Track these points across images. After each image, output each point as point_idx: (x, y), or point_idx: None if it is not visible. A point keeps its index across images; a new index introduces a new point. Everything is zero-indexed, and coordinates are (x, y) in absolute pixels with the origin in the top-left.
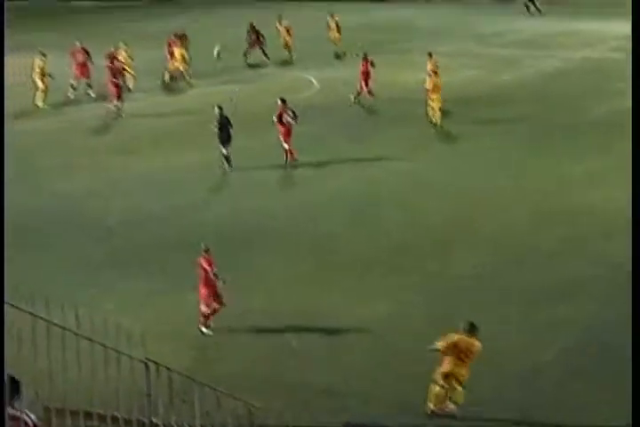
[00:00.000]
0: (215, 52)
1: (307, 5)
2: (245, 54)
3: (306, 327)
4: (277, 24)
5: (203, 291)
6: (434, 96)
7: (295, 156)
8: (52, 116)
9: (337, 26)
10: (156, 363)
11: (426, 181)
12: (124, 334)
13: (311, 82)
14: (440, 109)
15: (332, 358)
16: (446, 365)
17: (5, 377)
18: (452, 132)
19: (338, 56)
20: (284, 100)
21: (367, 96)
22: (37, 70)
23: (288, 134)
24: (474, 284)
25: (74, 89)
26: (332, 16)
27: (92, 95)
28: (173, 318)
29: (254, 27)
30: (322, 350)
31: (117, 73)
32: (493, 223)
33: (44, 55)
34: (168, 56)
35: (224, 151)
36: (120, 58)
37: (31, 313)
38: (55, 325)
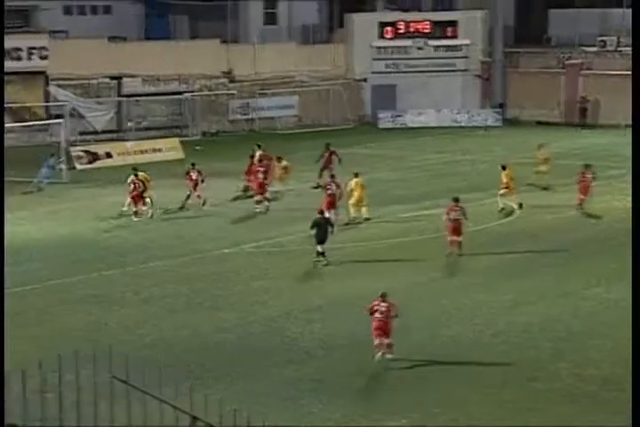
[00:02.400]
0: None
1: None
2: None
3: None
4: (537, 152)
5: None
6: None
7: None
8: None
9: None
10: None
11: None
12: None
13: (512, 207)
14: None
15: None
16: None
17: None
18: None
19: (545, 188)
20: (456, 200)
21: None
22: None
23: (455, 229)
24: None
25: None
26: (539, 148)
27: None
28: None
29: (328, 147)
30: None
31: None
32: None
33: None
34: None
35: (319, 249)
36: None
37: None
38: None
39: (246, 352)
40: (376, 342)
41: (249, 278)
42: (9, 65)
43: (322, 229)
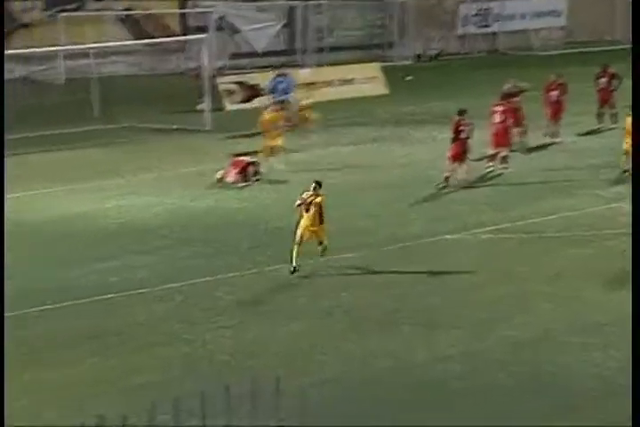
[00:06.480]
0: None
1: None
2: None
3: None
4: None
5: None
6: None
7: None
8: None
9: None
10: None
11: None
12: None
13: None
14: None
15: None
16: None
17: None
18: None
19: None
20: None
21: None
22: None
23: None
24: None
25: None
26: None
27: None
28: None
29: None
30: None
31: None
32: None
33: None
34: None
35: None
36: None
37: None
38: None
39: (475, 394)
40: None
41: (483, 280)
42: None
43: None
